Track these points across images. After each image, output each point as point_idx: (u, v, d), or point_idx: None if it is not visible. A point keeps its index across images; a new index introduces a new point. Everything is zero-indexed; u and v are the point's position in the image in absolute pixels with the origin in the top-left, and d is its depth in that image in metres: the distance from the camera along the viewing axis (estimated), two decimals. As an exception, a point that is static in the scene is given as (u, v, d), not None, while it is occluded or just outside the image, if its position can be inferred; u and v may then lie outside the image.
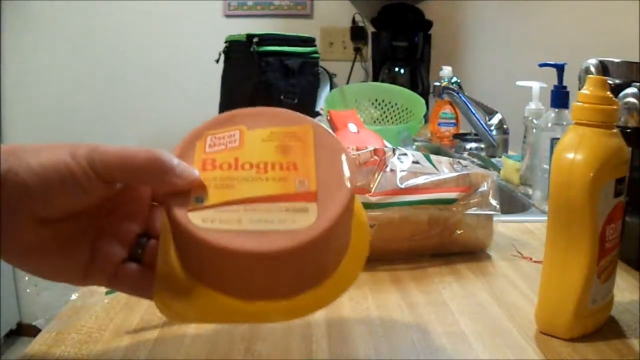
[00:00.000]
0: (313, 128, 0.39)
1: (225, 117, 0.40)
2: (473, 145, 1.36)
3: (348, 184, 0.36)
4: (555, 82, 0.88)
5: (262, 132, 0.39)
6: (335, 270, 0.38)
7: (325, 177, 0.36)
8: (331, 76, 1.98)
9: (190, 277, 0.37)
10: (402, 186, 0.61)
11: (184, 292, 0.37)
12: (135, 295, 0.40)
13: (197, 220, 0.34)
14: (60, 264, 0.38)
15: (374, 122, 1.40)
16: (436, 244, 0.64)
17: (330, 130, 0.40)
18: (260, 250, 0.33)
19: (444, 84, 1.47)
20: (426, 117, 1.37)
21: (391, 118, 1.40)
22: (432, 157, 0.68)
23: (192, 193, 0.35)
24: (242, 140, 0.38)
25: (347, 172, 0.37)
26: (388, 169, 0.62)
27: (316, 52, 1.48)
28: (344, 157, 0.37)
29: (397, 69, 2.06)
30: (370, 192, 0.60)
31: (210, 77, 1.60)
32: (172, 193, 0.35)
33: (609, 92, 0.45)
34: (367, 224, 0.41)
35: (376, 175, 0.61)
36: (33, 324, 0.51)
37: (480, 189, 0.65)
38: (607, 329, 0.48)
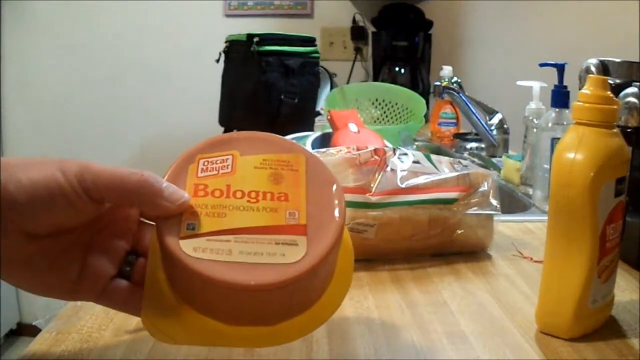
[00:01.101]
0: (306, 157, 0.39)
1: (219, 140, 0.40)
2: (473, 145, 1.36)
3: (338, 218, 0.36)
4: (556, 82, 0.87)
5: (254, 158, 0.39)
6: (321, 297, 0.39)
7: (315, 210, 0.36)
8: (331, 76, 1.97)
9: (179, 299, 0.37)
10: (403, 186, 0.61)
11: (171, 314, 0.37)
12: (124, 312, 0.40)
13: (189, 249, 0.34)
14: (49, 280, 0.38)
15: (375, 121, 1.40)
16: (436, 244, 0.64)
17: (323, 160, 0.40)
18: (249, 283, 0.33)
19: (445, 83, 1.47)
20: (426, 117, 1.37)
21: (391, 118, 1.40)
22: (433, 156, 0.68)
23: (184, 219, 0.35)
24: (235, 166, 0.38)
25: (337, 204, 0.37)
26: (388, 169, 0.62)
27: (316, 52, 1.48)
28: (334, 188, 0.38)
29: (397, 69, 2.06)
30: (370, 191, 0.60)
31: (210, 76, 1.60)
32: (163, 216, 0.35)
33: (609, 92, 0.45)
34: (352, 249, 0.41)
35: (376, 175, 0.61)
36: (33, 324, 0.50)
37: (480, 189, 0.65)
38: (607, 329, 0.48)
